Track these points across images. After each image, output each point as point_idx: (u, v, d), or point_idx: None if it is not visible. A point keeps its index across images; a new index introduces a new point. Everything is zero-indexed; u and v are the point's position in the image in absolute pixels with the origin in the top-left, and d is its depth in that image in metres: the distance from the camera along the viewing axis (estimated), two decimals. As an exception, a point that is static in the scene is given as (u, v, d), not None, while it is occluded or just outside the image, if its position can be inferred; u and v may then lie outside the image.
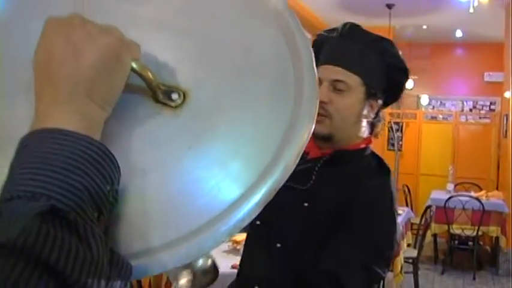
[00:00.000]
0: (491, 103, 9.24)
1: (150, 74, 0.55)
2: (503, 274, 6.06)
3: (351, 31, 1.48)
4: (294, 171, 0.54)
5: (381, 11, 6.87)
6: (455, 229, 6.12)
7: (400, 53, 1.52)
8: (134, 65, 0.54)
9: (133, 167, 0.54)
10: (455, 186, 6.96)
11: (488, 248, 6.88)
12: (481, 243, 6.62)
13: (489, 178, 7.66)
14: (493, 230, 6.12)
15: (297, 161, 0.54)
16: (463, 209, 5.99)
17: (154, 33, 0.61)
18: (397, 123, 8.26)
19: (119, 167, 0.50)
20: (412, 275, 5.02)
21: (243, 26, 0.63)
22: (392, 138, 8.22)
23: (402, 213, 5.17)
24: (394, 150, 8.08)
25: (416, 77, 9.50)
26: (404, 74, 1.51)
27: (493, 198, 6.29)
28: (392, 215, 1.37)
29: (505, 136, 6.58)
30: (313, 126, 0.56)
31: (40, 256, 0.40)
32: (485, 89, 9.05)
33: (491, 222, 6.07)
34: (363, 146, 1.49)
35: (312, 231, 1.35)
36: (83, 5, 0.59)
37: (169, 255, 0.50)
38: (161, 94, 0.57)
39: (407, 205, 7.08)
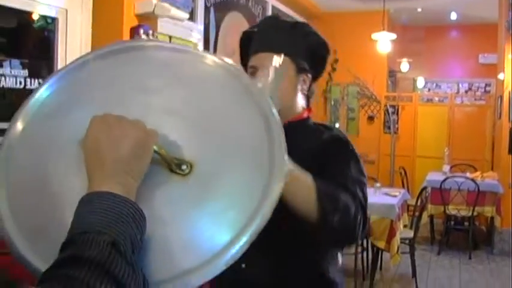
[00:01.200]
0: (486, 85, 9.30)
1: (165, 152, 0.77)
2: (498, 253, 6.17)
3: (272, 21, 1.72)
4: None
5: (375, -6, 6.89)
6: (451, 210, 6.21)
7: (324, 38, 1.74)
8: (155, 148, 0.76)
9: (156, 219, 0.74)
10: (451, 167, 7.04)
11: (483, 227, 6.99)
12: (477, 223, 6.72)
13: (484, 159, 7.74)
14: (488, 210, 6.21)
15: (273, 209, 0.75)
16: (459, 190, 6.08)
17: (165, 118, 0.83)
18: (393, 106, 8.31)
19: (145, 220, 0.71)
20: (409, 255, 5.11)
21: (233, 113, 0.85)
22: (388, 121, 8.28)
23: (398, 195, 5.26)
24: (390, 133, 8.15)
25: (412, 60, 9.56)
26: (325, 48, 1.72)
27: (488, 179, 6.38)
28: (353, 150, 1.62)
29: (500, 117, 6.64)
30: (283, 184, 0.77)
31: (109, 270, 0.62)
32: (481, 70, 9.10)
33: (486, 202, 6.16)
34: (305, 115, 1.69)
35: None
36: (108, 99, 0.84)
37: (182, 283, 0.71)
38: (174, 166, 0.78)
39: (403, 187, 7.16)
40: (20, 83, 3.10)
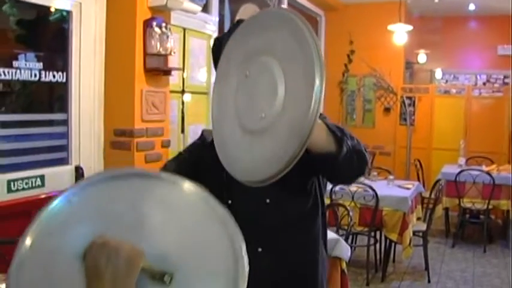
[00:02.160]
0: (504, 76, 9.19)
1: (150, 266, 0.91)
2: (513, 247, 6.13)
3: (236, 26, 1.74)
4: None
5: (392, -14, 6.83)
6: (466, 203, 6.18)
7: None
8: (142, 264, 0.90)
9: None
10: (467, 160, 6.99)
11: (499, 221, 6.93)
12: (492, 216, 6.67)
13: (502, 152, 7.67)
14: (504, 204, 6.16)
15: None
16: (474, 182, 6.04)
17: (150, 236, 0.98)
18: (409, 97, 8.26)
19: None
20: (422, 248, 5.11)
21: (202, 232, 1.00)
22: (404, 113, 8.23)
23: (412, 187, 5.25)
24: (406, 125, 8.11)
25: (429, 51, 9.48)
26: None
27: (503, 172, 6.32)
28: None
29: (517, 110, 6.57)
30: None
31: None
32: (499, 62, 8.98)
33: (502, 195, 6.11)
34: None
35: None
36: (106, 218, 1.00)
37: None
38: (158, 276, 0.91)
39: (418, 179, 7.13)
40: (35, 75, 3.16)
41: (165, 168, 1.85)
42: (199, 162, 1.78)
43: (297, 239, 1.70)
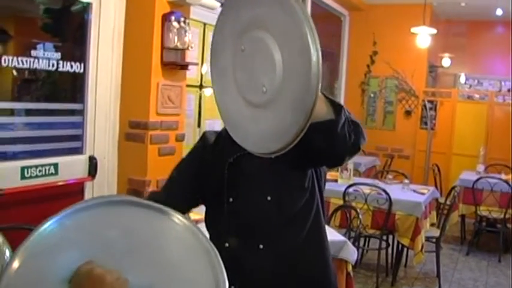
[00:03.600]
0: (530, 84, 9.02)
1: None
2: (529, 258, 6.03)
3: None
4: None
5: (418, -13, 6.75)
6: (483, 211, 6.09)
7: None
8: None
9: None
10: (486, 167, 6.88)
11: (516, 231, 6.82)
12: (509, 225, 6.56)
13: (523, 160, 7.54)
14: (522, 213, 6.06)
15: None
16: (492, 190, 5.95)
17: (137, 266, 1.00)
18: (431, 101, 8.17)
19: None
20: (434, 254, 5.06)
21: (188, 266, 1.04)
22: (425, 117, 8.14)
23: (427, 193, 5.19)
24: (426, 129, 8.02)
25: (454, 55, 9.35)
26: None
27: (523, 181, 6.21)
28: None
29: (541, 119, 6.44)
30: None
31: None
32: (525, 69, 8.81)
33: (520, 205, 6.01)
34: None
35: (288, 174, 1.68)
36: (94, 245, 1.01)
37: None
38: None
39: (435, 184, 7.05)
40: (53, 65, 3.20)
41: (171, 176, 1.88)
42: (201, 164, 1.79)
43: (299, 235, 1.70)
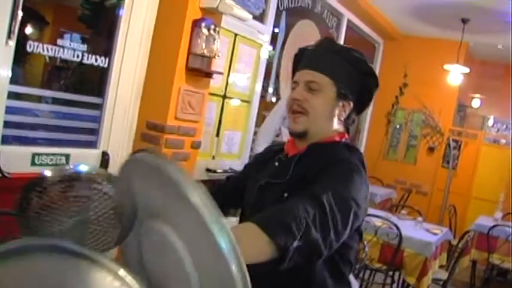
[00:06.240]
0: (560, 135, 8.80)
1: None
2: (538, 313, 5.83)
3: (325, 42, 1.73)
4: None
5: (455, 25, 6.65)
6: (495, 259, 5.92)
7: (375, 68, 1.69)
8: None
9: None
10: (504, 215, 6.71)
11: (528, 284, 6.61)
12: (521, 278, 6.38)
13: (543, 213, 7.33)
14: (535, 267, 5.87)
15: None
16: (507, 239, 5.78)
17: None
18: (455, 140, 8.03)
19: None
20: (440, 297, 4.92)
21: None
22: (448, 156, 8.00)
23: (439, 233, 5.06)
24: (448, 167, 7.87)
25: (484, 97, 9.19)
26: (374, 79, 1.68)
27: (540, 234, 6.02)
28: (351, 172, 1.48)
29: None
30: None
31: None
32: (556, 120, 8.63)
33: (535, 258, 5.83)
34: (337, 138, 1.65)
35: None
36: None
37: None
38: None
39: (450, 225, 6.89)
40: (78, 56, 3.19)
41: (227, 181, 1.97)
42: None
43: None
